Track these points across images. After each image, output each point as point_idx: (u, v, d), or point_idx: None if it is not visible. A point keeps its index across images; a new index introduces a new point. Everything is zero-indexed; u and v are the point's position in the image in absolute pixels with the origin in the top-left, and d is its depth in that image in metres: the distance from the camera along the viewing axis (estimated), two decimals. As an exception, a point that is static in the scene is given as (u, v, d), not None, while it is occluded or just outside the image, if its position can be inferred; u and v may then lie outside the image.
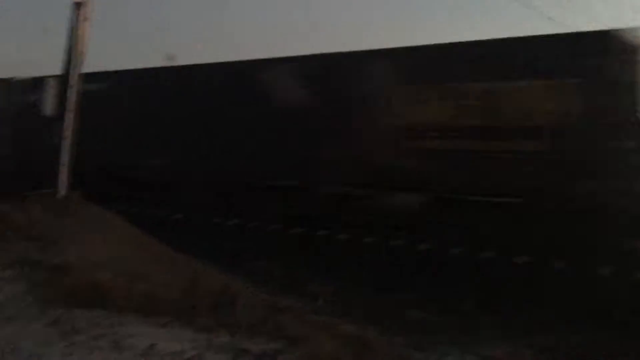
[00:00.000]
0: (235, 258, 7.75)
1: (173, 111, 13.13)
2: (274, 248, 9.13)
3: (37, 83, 15.91)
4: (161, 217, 12.17)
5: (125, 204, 11.48)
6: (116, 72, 14.78)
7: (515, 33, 10.99)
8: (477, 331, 5.71)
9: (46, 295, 4.83)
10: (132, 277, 5.31)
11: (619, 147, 7.89)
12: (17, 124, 16.38)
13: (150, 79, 14.24)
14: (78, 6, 8.43)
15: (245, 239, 10.26)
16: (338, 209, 10.45)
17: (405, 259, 8.73)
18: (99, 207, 8.83)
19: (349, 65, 10.67)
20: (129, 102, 13.93)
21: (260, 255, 7.90)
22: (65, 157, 8.90)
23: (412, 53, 10.20)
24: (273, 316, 4.76)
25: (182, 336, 4.07)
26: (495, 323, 6.12)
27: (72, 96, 8.71)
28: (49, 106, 8.80)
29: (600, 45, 8.10)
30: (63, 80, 8.94)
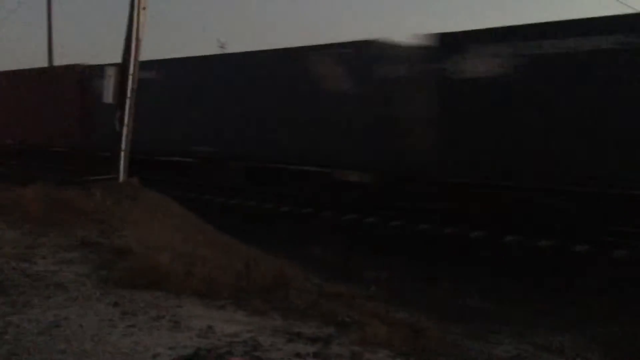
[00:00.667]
0: (289, 244, 7.82)
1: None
2: (327, 235, 9.16)
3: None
4: (216, 202, 12.41)
5: (181, 189, 11.78)
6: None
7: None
8: (535, 320, 5.58)
9: (108, 277, 5.03)
10: (190, 261, 5.46)
11: None
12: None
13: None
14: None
15: (298, 226, 10.34)
16: (389, 195, 10.39)
17: (463, 246, 8.61)
18: (156, 192, 9.11)
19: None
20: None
21: (313, 242, 7.96)
22: (124, 144, 9.21)
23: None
24: (326, 301, 4.79)
25: (238, 318, 4.16)
26: (557, 312, 5.97)
27: (131, 83, 8.97)
28: (108, 94, 9.07)
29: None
30: (122, 67, 9.21)
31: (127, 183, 9.15)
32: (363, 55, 10.80)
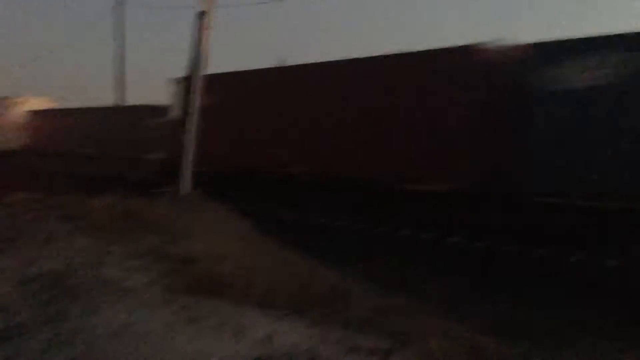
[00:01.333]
0: (347, 257, 7.85)
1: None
2: (385, 248, 9.14)
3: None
4: (275, 217, 12.58)
5: (241, 203, 12.02)
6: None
7: None
8: (604, 343, 5.35)
9: (173, 284, 5.21)
10: (251, 271, 5.58)
11: None
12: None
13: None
14: (201, 15, 8.99)
15: (356, 240, 10.35)
16: (448, 211, 10.23)
17: (522, 262, 8.38)
18: (218, 204, 9.36)
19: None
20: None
21: (371, 256, 7.95)
22: (188, 157, 9.53)
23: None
24: (384, 314, 4.79)
25: (298, 329, 4.21)
26: (628, 337, 5.69)
27: (196, 98, 9.29)
28: (174, 108, 9.47)
29: None
30: (187, 84, 9.57)
31: (191, 195, 9.44)
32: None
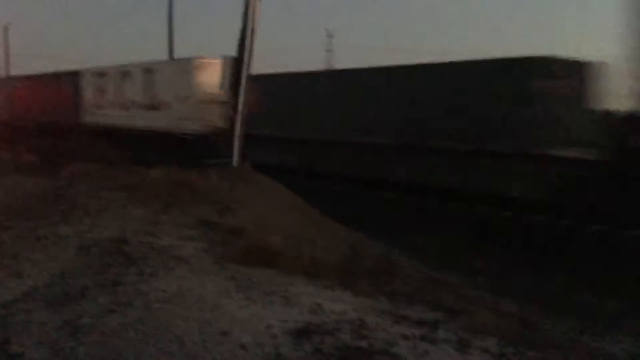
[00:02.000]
0: (395, 231, 7.85)
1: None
2: (434, 224, 9.07)
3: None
4: (323, 189, 12.66)
5: (290, 175, 12.13)
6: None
7: None
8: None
9: (224, 254, 5.34)
10: (299, 242, 5.66)
11: None
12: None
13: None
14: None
15: (405, 213, 10.31)
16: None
17: (575, 239, 8.16)
18: (267, 177, 9.47)
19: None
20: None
21: (420, 230, 7.91)
22: (238, 130, 9.65)
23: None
24: (431, 288, 4.80)
25: (345, 299, 4.27)
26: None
27: (245, 73, 9.36)
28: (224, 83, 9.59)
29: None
30: (237, 58, 9.64)
31: (241, 167, 9.59)
32: None
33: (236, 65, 9.77)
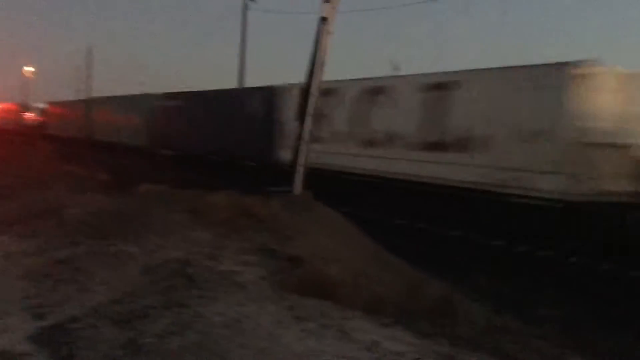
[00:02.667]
0: (456, 269, 7.65)
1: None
2: (497, 264, 8.80)
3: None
4: (385, 222, 12.54)
5: (350, 206, 12.10)
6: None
7: None
8: None
9: (283, 282, 5.37)
10: (357, 275, 5.62)
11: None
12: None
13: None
14: (323, 20, 9.19)
15: (467, 252, 10.07)
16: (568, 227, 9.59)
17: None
18: (327, 207, 9.50)
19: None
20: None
21: (483, 270, 7.68)
22: (301, 159, 9.77)
23: None
24: (495, 334, 4.62)
25: (404, 338, 4.17)
26: None
27: (312, 103, 9.51)
28: (290, 111, 9.80)
29: None
30: (305, 88, 9.82)
31: (302, 196, 9.67)
32: None
33: (304, 94, 9.95)
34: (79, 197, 9.82)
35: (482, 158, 10.50)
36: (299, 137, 9.84)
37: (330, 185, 11.88)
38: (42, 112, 49.82)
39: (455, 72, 11.92)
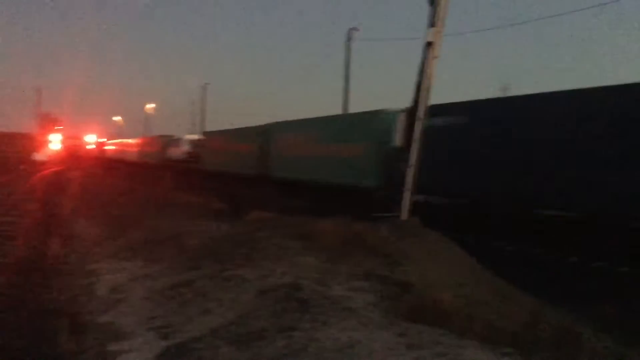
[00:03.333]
0: (579, 298, 7.17)
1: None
2: (624, 292, 8.14)
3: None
4: (495, 248, 12.07)
5: (459, 232, 11.77)
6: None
7: None
8: None
9: (393, 308, 5.32)
10: (470, 302, 5.45)
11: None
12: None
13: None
14: (429, 45, 9.17)
15: (588, 279, 9.42)
16: None
17: None
18: (436, 232, 9.32)
19: None
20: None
21: (606, 299, 7.14)
22: (409, 184, 9.70)
23: None
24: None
25: (525, 370, 3.98)
26: None
27: (419, 127, 9.45)
28: (397, 136, 9.82)
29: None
30: (411, 112, 9.79)
31: (410, 222, 9.57)
32: None
33: (410, 118, 9.92)
34: (197, 224, 10.40)
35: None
36: (406, 162, 9.79)
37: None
38: (195, 144, 41.98)
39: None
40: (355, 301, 5.57)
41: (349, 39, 33.92)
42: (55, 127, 63.92)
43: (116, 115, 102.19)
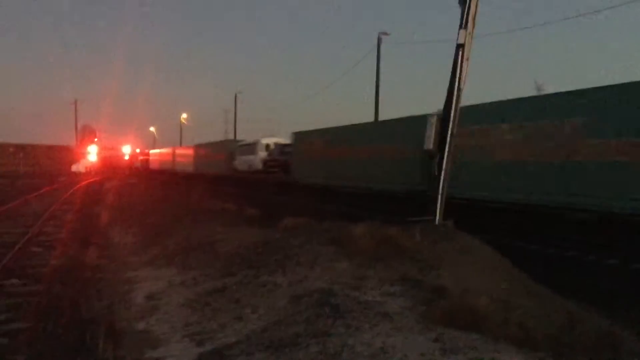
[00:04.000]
0: (619, 302, 6.99)
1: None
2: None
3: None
4: (530, 249, 11.85)
5: (493, 234, 11.59)
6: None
7: None
8: None
9: (427, 313, 5.28)
10: (505, 306, 5.35)
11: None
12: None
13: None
14: (460, 47, 9.10)
15: (631, 282, 9.16)
16: None
17: None
18: (469, 235, 9.21)
19: None
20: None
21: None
22: (442, 188, 9.63)
23: None
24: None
25: (562, 375, 3.90)
26: None
27: (451, 132, 9.39)
28: (429, 140, 9.76)
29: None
30: (443, 116, 9.73)
31: (443, 225, 9.49)
32: None
33: (442, 123, 9.86)
34: (230, 231, 10.51)
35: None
36: (439, 166, 9.73)
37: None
38: (280, 150, 32.81)
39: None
40: (389, 306, 5.55)
41: (379, 42, 33.75)
42: (94, 139, 65.34)
43: (149, 125, 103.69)
